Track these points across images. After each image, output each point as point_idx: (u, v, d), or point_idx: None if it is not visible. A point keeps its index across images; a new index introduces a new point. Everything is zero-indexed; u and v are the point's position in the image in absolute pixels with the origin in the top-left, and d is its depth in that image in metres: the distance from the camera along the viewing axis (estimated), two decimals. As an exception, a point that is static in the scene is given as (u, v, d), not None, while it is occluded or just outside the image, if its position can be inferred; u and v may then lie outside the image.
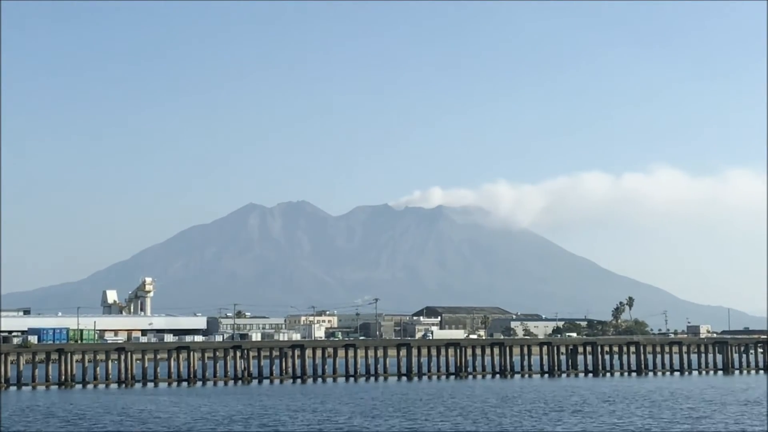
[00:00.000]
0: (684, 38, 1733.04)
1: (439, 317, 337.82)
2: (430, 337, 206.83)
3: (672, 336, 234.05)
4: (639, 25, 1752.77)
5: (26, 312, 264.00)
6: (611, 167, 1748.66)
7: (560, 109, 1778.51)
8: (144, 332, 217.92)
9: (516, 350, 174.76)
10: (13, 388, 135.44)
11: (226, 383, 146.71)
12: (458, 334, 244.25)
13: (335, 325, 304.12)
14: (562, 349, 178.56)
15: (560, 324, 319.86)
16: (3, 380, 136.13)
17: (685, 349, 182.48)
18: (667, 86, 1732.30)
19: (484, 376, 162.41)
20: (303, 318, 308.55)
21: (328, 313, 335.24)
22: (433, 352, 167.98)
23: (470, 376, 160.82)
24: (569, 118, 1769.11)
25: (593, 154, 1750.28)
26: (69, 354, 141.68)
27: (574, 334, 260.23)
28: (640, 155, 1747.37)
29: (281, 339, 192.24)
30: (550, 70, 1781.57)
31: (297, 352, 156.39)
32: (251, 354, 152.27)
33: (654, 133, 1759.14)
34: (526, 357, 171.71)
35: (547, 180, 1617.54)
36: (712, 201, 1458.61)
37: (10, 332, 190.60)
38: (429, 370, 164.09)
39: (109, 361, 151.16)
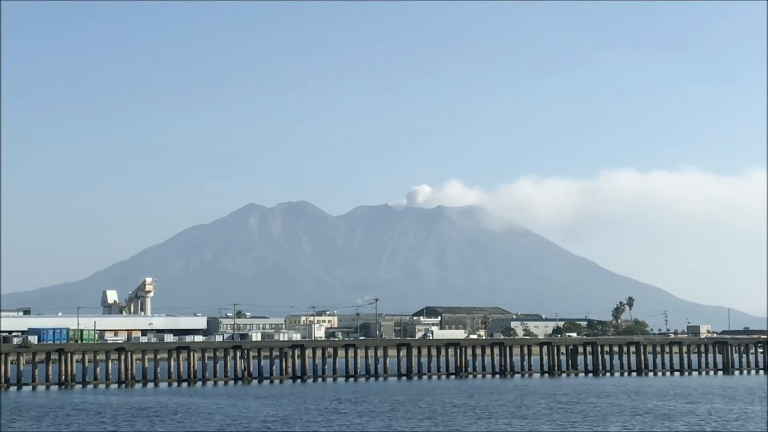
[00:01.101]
0: (693, 39, 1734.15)
1: (439, 317, 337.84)
2: (430, 337, 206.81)
3: (672, 336, 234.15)
4: (647, 26, 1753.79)
5: (26, 312, 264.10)
6: (612, 168, 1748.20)
7: (560, 111, 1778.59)
8: (144, 332, 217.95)
9: (516, 350, 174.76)
10: (13, 389, 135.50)
11: (226, 383, 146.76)
12: (458, 334, 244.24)
13: (335, 325, 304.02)
14: (562, 349, 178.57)
15: (560, 324, 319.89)
16: (3, 380, 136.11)
17: (685, 349, 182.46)
18: (672, 87, 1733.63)
19: (484, 376, 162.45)
20: (303, 318, 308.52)
21: (328, 313, 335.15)
22: (433, 352, 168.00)
23: (470, 376, 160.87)
24: (570, 119, 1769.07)
25: (594, 156, 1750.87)
26: (69, 354, 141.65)
27: (574, 334, 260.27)
28: (639, 156, 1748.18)
29: (281, 339, 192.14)
30: (547, 73, 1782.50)
31: (297, 352, 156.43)
32: (251, 354, 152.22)
33: (655, 134, 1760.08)
34: (526, 357, 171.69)
35: (546, 181, 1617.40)
36: (712, 201, 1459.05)
37: (10, 332, 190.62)
38: (429, 370, 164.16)
39: (109, 361, 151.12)
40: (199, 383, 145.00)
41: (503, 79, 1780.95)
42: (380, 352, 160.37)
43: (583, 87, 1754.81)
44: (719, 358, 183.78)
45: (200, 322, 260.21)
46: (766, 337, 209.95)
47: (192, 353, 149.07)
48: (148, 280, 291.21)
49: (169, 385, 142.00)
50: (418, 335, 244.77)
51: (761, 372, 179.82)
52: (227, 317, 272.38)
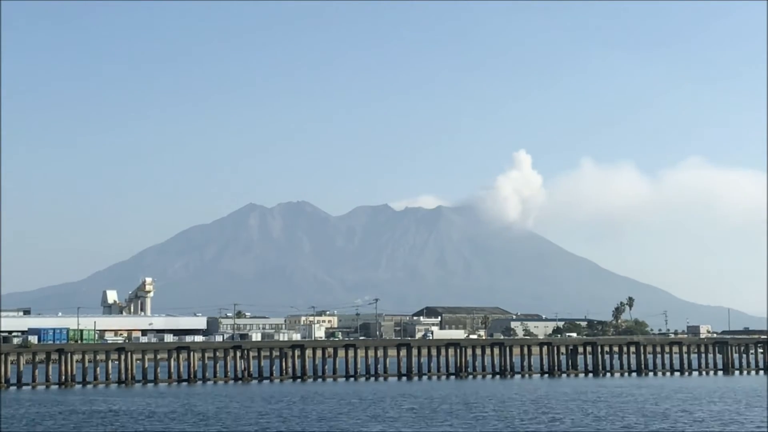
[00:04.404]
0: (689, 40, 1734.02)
1: (439, 317, 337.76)
2: (430, 337, 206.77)
3: (672, 336, 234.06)
4: (647, 26, 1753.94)
5: (26, 312, 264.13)
6: (610, 167, 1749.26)
7: (559, 107, 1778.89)
8: (144, 332, 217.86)
9: (516, 350, 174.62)
10: (13, 388, 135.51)
11: (226, 383, 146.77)
12: (458, 334, 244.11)
13: (335, 325, 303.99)
14: (562, 349, 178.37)
15: (560, 324, 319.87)
16: (3, 380, 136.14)
17: (685, 349, 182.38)
18: (665, 88, 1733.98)
19: (484, 377, 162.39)
20: (303, 318, 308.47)
21: (328, 313, 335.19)
22: (433, 352, 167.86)
23: (470, 376, 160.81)
24: (570, 115, 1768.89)
25: (595, 155, 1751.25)
26: (69, 354, 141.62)
27: (574, 334, 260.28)
28: (637, 155, 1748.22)
29: (281, 339, 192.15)
30: (544, 75, 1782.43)
31: (297, 352, 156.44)
32: (251, 354, 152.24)
33: (654, 133, 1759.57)
34: (526, 357, 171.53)
35: (546, 180, 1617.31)
36: (713, 200, 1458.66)
37: (10, 332, 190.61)
38: (429, 370, 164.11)
39: (109, 361, 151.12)
40: (199, 383, 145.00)
41: (502, 80, 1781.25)
42: (380, 352, 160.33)
43: (581, 89, 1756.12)
44: (719, 358, 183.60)
45: (200, 322, 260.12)
46: (766, 337, 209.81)
47: (192, 353, 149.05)
48: (148, 280, 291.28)
49: (169, 385, 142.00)
50: (418, 335, 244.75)
51: (761, 372, 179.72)
52: (227, 317, 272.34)
